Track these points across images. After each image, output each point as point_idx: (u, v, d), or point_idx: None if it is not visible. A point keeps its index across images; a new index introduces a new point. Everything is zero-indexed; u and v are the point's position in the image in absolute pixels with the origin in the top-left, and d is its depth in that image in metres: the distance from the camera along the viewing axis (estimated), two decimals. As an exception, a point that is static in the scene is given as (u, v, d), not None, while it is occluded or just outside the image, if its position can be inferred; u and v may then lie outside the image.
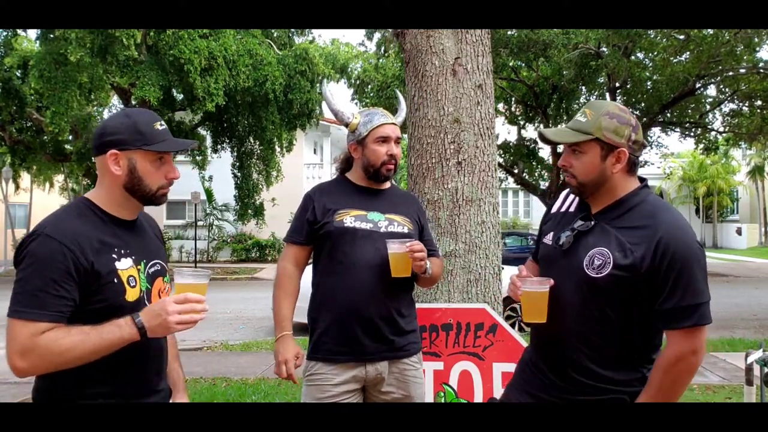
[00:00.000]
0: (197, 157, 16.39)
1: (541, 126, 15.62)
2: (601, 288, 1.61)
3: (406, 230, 2.17)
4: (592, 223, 1.70)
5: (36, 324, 1.38)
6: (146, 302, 1.56)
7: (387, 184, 2.29)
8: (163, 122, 1.60)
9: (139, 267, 1.57)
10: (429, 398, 2.65)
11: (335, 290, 2.13)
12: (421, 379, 2.22)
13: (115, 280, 1.49)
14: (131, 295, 1.51)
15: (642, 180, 1.74)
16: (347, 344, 2.09)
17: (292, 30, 15.53)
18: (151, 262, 1.63)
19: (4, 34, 14.73)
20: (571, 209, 1.83)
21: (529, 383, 1.81)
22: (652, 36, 11.62)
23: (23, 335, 1.38)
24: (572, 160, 1.70)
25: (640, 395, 1.62)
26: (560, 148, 1.81)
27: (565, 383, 1.69)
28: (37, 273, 1.40)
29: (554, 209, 1.91)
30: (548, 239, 1.82)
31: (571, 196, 1.88)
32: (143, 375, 1.58)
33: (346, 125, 2.26)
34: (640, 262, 1.57)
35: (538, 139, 2.02)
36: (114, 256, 1.51)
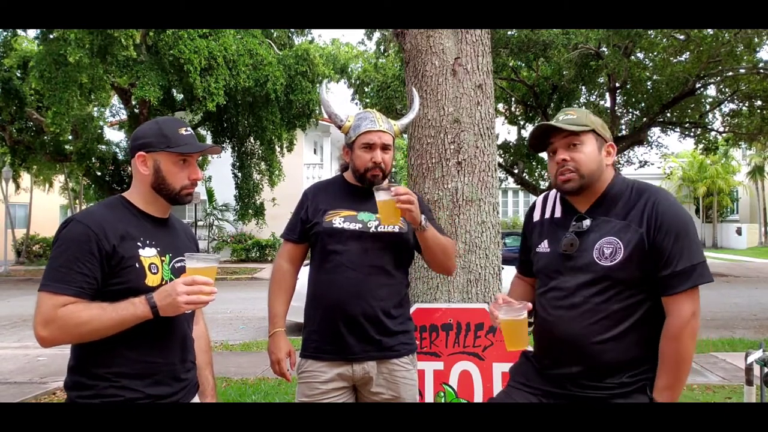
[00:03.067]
0: (198, 158, 16.37)
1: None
2: (619, 274, 1.65)
3: (397, 229, 2.16)
4: (589, 221, 1.73)
5: (58, 297, 1.52)
6: None
7: (383, 183, 2.29)
8: (189, 128, 1.74)
9: (163, 258, 1.69)
10: (429, 398, 2.65)
11: (323, 289, 2.15)
12: (413, 381, 2.20)
13: (137, 265, 1.61)
14: (151, 280, 1.63)
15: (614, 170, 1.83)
16: (333, 342, 2.11)
17: (292, 30, 15.52)
18: (178, 258, 1.73)
19: (4, 34, 14.73)
20: (557, 215, 1.85)
21: (535, 383, 1.81)
22: (652, 36, 11.62)
23: (46, 306, 1.52)
24: (572, 153, 1.75)
25: (658, 372, 1.65)
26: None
27: (581, 382, 1.70)
28: (64, 252, 1.56)
29: (537, 217, 1.92)
30: (544, 248, 1.83)
31: (550, 201, 1.90)
32: (166, 360, 1.67)
33: (340, 128, 2.28)
34: (645, 235, 1.64)
35: (528, 142, 2.02)
36: (138, 244, 1.64)
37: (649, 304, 1.67)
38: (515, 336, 1.71)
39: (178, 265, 1.72)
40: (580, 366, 1.71)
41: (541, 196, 1.95)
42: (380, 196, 2.02)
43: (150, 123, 1.77)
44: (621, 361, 1.67)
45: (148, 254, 1.65)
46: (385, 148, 2.18)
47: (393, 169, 2.37)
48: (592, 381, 1.69)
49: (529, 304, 1.72)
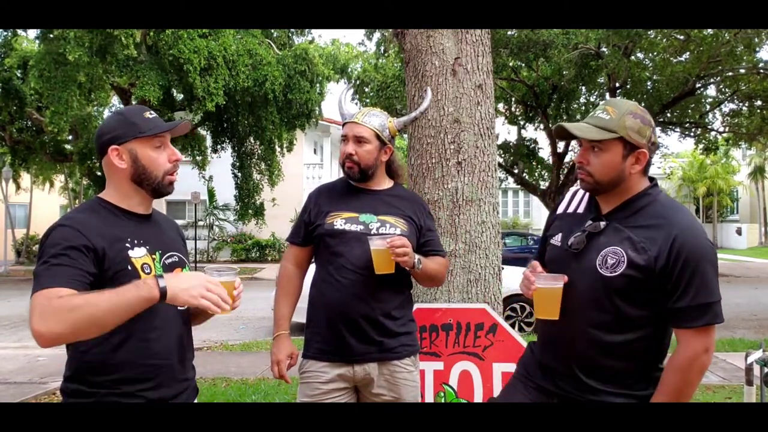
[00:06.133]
0: (197, 157, 16.40)
1: (541, 126, 15.63)
2: (615, 287, 1.61)
3: (398, 231, 2.15)
4: (604, 223, 1.68)
5: (52, 290, 1.39)
6: None
7: (386, 184, 2.29)
8: (153, 112, 1.66)
9: (154, 256, 1.63)
10: (429, 398, 2.65)
11: (325, 291, 2.15)
12: (415, 382, 2.20)
13: (129, 267, 1.55)
14: None
15: (651, 179, 1.72)
16: (335, 344, 2.11)
17: (292, 30, 15.53)
18: (168, 254, 1.68)
19: (4, 34, 14.73)
20: (580, 210, 1.81)
21: (534, 377, 1.81)
22: (652, 36, 11.62)
23: (41, 301, 1.39)
24: (591, 157, 1.67)
25: (654, 396, 1.61)
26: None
27: (574, 382, 1.69)
28: (52, 254, 1.46)
29: (561, 209, 1.89)
30: (556, 240, 1.80)
31: (578, 196, 1.85)
32: (165, 362, 1.62)
33: None
34: (654, 261, 1.57)
35: (553, 133, 2.00)
36: (127, 245, 1.57)
37: (647, 322, 1.62)
38: (546, 305, 1.69)
39: (169, 261, 1.68)
40: (567, 366, 1.70)
41: (573, 190, 1.90)
42: (375, 245, 2.03)
43: (112, 116, 1.68)
44: (605, 370, 1.65)
45: (138, 255, 1.58)
46: (358, 140, 2.18)
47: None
48: (576, 382, 1.68)
49: (566, 277, 1.67)
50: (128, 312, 1.39)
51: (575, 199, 1.86)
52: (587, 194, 1.81)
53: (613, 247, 1.63)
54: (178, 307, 1.66)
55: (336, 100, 2.43)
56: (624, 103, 1.68)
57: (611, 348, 1.64)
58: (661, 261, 1.57)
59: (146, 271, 1.58)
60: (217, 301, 1.44)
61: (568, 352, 1.70)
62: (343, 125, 2.25)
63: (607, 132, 1.63)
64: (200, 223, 20.44)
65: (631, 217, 1.66)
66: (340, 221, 2.15)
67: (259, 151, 16.06)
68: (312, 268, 2.30)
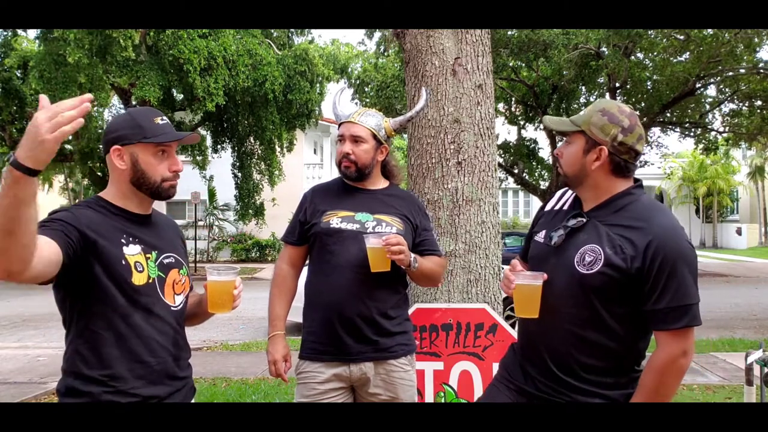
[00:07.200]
0: (197, 157, 16.40)
1: (541, 126, 15.64)
2: (591, 285, 1.60)
3: (394, 230, 2.15)
4: (584, 220, 1.69)
5: None
6: (159, 291, 1.63)
7: (382, 184, 2.29)
8: (165, 118, 1.66)
9: (148, 256, 1.63)
10: (429, 398, 2.65)
11: (321, 290, 2.15)
12: (411, 382, 2.20)
13: (123, 262, 1.55)
14: (138, 279, 1.57)
15: (636, 180, 1.73)
16: (331, 344, 2.11)
17: (292, 30, 15.54)
18: (165, 254, 1.68)
19: (4, 34, 14.73)
20: (564, 207, 1.82)
21: (515, 378, 1.80)
22: (652, 36, 11.63)
23: None
24: (563, 149, 1.75)
25: (633, 398, 1.61)
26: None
27: (552, 382, 1.68)
28: (41, 222, 1.43)
29: (548, 207, 1.90)
30: (540, 237, 1.81)
31: (566, 195, 1.87)
32: (158, 359, 1.62)
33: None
34: (630, 261, 1.57)
35: (543, 127, 2.03)
36: (122, 241, 1.58)
37: (624, 321, 1.62)
38: (526, 303, 1.69)
39: (166, 261, 1.68)
40: (545, 364, 1.70)
41: (562, 189, 1.91)
42: (370, 243, 2.03)
43: (122, 115, 1.68)
44: (583, 368, 1.64)
45: (132, 252, 1.58)
46: (355, 139, 2.19)
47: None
48: (555, 383, 1.68)
49: (545, 275, 1.68)
50: (11, 203, 1.23)
51: (564, 197, 1.87)
52: (574, 193, 1.82)
53: (592, 244, 1.63)
54: (172, 307, 1.67)
55: (341, 106, 2.42)
56: (602, 102, 1.71)
57: (589, 345, 1.64)
58: (637, 262, 1.56)
59: (139, 270, 1.58)
60: (62, 119, 1.21)
61: (546, 349, 1.70)
62: (339, 125, 2.25)
63: (571, 125, 1.70)
64: (200, 223, 20.43)
65: (611, 215, 1.67)
66: (336, 220, 2.16)
67: (259, 151, 16.06)
68: (306, 269, 2.31)
